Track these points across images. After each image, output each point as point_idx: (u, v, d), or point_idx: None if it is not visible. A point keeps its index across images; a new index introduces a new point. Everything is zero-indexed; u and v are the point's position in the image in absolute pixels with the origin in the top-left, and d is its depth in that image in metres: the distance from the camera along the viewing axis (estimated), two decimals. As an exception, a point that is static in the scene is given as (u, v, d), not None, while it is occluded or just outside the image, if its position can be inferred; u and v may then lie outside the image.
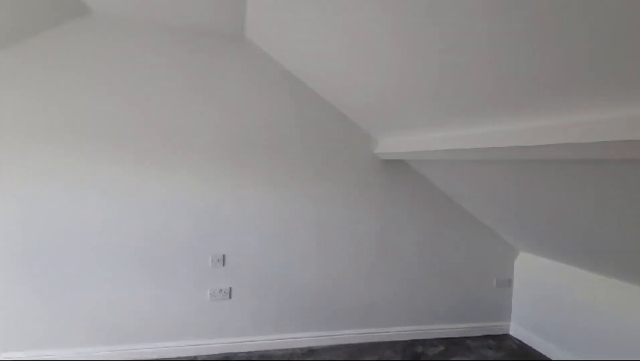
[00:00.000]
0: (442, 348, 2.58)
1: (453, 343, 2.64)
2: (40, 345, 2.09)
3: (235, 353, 2.34)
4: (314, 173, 2.50)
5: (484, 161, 1.85)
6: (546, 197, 1.78)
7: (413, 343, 2.62)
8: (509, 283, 2.86)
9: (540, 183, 1.70)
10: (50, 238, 2.09)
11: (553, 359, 2.43)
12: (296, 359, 2.33)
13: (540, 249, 2.54)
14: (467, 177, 2.23)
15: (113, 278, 2.19)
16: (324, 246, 2.53)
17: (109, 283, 2.18)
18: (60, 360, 2.10)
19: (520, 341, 2.71)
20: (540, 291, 2.61)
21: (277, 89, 2.43)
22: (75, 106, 2.10)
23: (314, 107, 2.49)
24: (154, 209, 2.24)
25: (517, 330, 2.79)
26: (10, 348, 2.05)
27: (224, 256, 2.37)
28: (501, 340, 2.73)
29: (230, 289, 2.38)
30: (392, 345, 2.57)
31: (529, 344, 2.64)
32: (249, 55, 2.36)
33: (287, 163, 2.45)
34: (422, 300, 2.72)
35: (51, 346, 2.10)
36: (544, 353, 2.50)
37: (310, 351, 2.43)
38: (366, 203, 2.60)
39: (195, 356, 2.28)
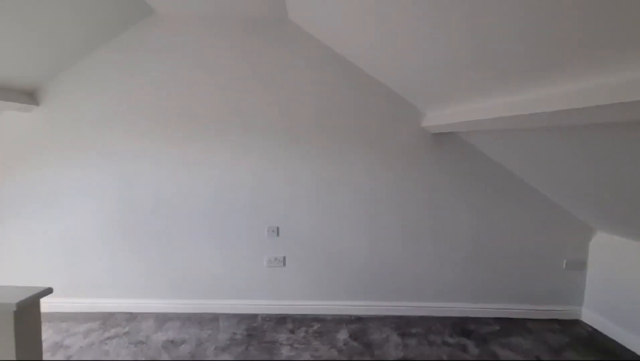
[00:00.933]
0: (497, 327, 2.48)
1: (511, 324, 2.52)
2: (131, 294, 2.60)
3: (291, 315, 2.59)
4: (363, 148, 2.54)
5: (545, 129, 1.67)
6: (626, 167, 1.55)
7: (465, 320, 2.57)
8: (582, 265, 2.57)
9: (616, 151, 1.49)
10: (139, 208, 2.55)
11: (631, 349, 2.17)
12: (344, 323, 2.49)
13: (620, 228, 2.22)
14: (526, 147, 2.04)
15: (187, 242, 2.58)
16: (373, 220, 2.58)
17: (184, 246, 2.58)
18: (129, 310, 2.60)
19: (592, 328, 2.46)
20: (618, 275, 2.30)
21: (324, 68, 2.48)
22: (155, 100, 2.46)
23: (361, 84, 2.49)
24: (219, 183, 2.54)
25: (590, 316, 2.52)
26: (109, 295, 2.59)
27: (277, 228, 2.59)
28: (569, 326, 2.51)
29: (285, 258, 2.61)
30: (441, 320, 2.56)
31: (603, 332, 2.38)
32: (295, 38, 2.45)
33: (337, 139, 2.53)
34: (476, 278, 2.62)
35: (139, 295, 2.60)
36: (620, 342, 2.25)
37: (358, 319, 2.57)
38: (416, 178, 2.56)
39: (256, 314, 2.59)
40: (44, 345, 2.13)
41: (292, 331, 2.38)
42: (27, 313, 0.97)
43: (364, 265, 2.62)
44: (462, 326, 2.48)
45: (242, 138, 2.51)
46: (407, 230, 2.59)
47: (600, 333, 2.39)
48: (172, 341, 2.23)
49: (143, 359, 2.05)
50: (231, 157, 2.53)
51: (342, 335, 2.35)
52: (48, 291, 1.01)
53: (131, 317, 2.51)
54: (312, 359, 2.08)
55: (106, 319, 2.47)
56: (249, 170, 2.54)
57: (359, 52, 2.27)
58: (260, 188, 2.56)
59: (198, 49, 2.44)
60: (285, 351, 2.15)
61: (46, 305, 2.57)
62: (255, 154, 2.53)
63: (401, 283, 2.63)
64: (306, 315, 2.60)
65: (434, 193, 2.57)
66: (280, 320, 2.53)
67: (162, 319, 2.49)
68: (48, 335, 2.24)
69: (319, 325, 2.47)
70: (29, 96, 2.39)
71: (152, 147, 2.49)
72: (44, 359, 2.01)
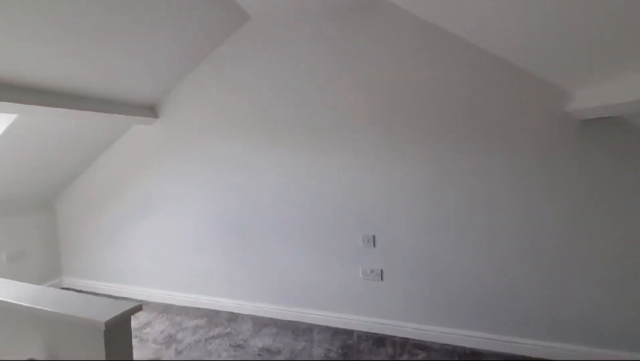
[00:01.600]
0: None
1: None
2: (234, 294, 2.68)
3: (390, 337, 2.30)
4: (479, 144, 2.07)
5: None
6: None
7: (638, 377, 1.84)
8: None
9: None
10: (234, 210, 2.61)
11: None
12: (458, 359, 2.06)
13: None
14: None
15: (282, 248, 2.53)
16: (492, 233, 2.09)
17: (279, 252, 2.54)
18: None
19: None
20: None
21: (428, 51, 2.11)
22: (252, 106, 2.50)
23: (476, 64, 2.04)
24: (312, 186, 2.42)
25: None
26: (215, 293, 2.72)
27: (373, 236, 2.33)
28: None
29: (382, 271, 2.33)
30: (598, 372, 1.90)
31: None
32: (391, 19, 2.15)
33: (447, 135, 2.13)
34: (656, 320, 1.86)
35: (241, 297, 2.67)
36: None
37: (474, 353, 2.10)
38: (553, 180, 1.96)
39: (351, 330, 2.37)
40: (161, 336, 2.35)
41: (393, 357, 2.09)
42: (118, 331, 0.91)
43: (477, 286, 2.13)
44: (635, 387, 1.78)
45: (336, 138, 2.33)
46: (541, 249, 2.00)
47: None
48: (267, 350, 2.19)
49: (240, 365, 2.05)
50: (325, 159, 2.37)
51: (455, 372, 1.94)
52: (137, 308, 0.96)
53: (232, 317, 2.59)
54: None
55: (212, 317, 2.61)
56: (342, 173, 2.35)
57: (474, 23, 1.82)
58: (354, 192, 2.34)
59: (290, 49, 2.36)
60: (384, 382, 1.87)
61: (165, 296, 2.90)
62: (350, 155, 2.32)
63: (530, 316, 2.05)
64: (408, 339, 2.26)
65: (581, 201, 1.92)
66: (379, 341, 2.26)
67: (260, 323, 2.50)
68: (165, 326, 2.47)
69: (425, 355, 2.11)
70: (151, 110, 2.70)
71: (250, 154, 2.53)
72: (161, 349, 2.19)
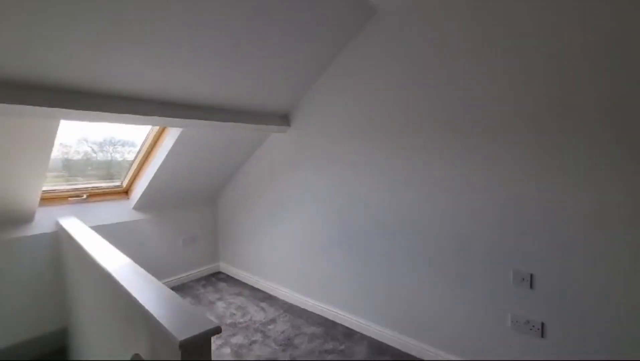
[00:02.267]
0: None
1: None
2: (352, 309, 2.51)
3: (552, 418, 1.64)
4: None
5: None
6: None
7: None
8: None
9: None
10: (361, 222, 2.44)
11: None
12: None
13: None
14: None
15: (408, 269, 2.20)
16: None
17: (405, 274, 2.22)
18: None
19: None
20: None
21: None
22: (381, 108, 2.29)
23: None
24: (443, 201, 2.00)
25: None
26: (334, 302, 2.61)
27: (531, 275, 1.71)
28: None
29: (543, 324, 1.69)
30: None
31: None
32: None
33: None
34: None
35: (359, 313, 2.47)
36: None
37: None
38: None
39: (491, 391, 1.82)
40: (280, 337, 2.42)
41: None
42: (195, 349, 0.86)
43: None
44: None
45: (487, 143, 1.84)
46: None
47: None
48: (380, 384, 1.92)
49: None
50: (462, 167, 1.92)
51: None
52: (216, 330, 0.90)
53: (349, 334, 2.44)
54: None
55: (329, 328, 2.53)
56: (484, 186, 1.84)
57: None
58: (503, 212, 1.79)
59: (421, 42, 2.02)
60: None
61: (289, 296, 3.02)
62: (495, 163, 1.79)
63: None
64: None
65: None
66: (533, 420, 1.64)
67: (376, 348, 2.25)
68: (286, 327, 2.55)
69: None
70: (284, 119, 2.86)
71: (380, 162, 2.31)
72: (277, 351, 2.24)
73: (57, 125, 1.88)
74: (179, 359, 0.84)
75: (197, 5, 1.57)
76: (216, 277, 3.62)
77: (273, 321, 2.65)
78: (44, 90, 1.63)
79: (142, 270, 1.38)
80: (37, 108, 1.59)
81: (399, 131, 2.17)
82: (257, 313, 2.78)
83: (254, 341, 2.36)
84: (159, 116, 2.06)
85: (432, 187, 2.04)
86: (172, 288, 3.24)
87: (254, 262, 3.40)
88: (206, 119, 2.33)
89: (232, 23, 1.76)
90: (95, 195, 2.92)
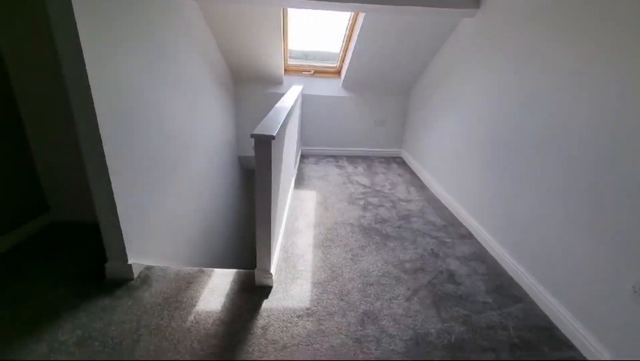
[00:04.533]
0: None
1: None
2: (470, 210, 2.43)
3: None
4: None
5: None
6: None
7: None
8: None
9: None
10: (509, 131, 2.13)
11: None
12: None
13: None
14: None
15: (542, 197, 1.88)
16: None
17: (536, 199, 1.91)
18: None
19: None
20: None
21: None
22: None
23: None
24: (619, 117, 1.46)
25: None
26: (457, 199, 2.58)
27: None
28: None
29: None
30: None
31: None
32: None
33: None
34: None
35: (474, 215, 2.38)
36: None
37: None
38: None
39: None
40: (405, 213, 2.80)
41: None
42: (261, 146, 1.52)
43: None
44: None
45: None
46: None
47: None
48: (451, 271, 2.03)
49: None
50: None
51: None
52: (271, 137, 1.49)
53: (464, 235, 2.47)
54: None
55: (451, 224, 2.63)
56: None
57: None
58: None
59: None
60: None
61: (433, 188, 3.15)
62: None
63: None
64: None
65: None
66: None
67: (477, 256, 2.23)
68: (415, 208, 2.87)
69: None
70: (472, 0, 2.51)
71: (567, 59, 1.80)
72: (395, 216, 2.68)
73: (279, 12, 2.75)
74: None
75: None
76: (394, 160, 4.18)
77: (409, 201, 3.02)
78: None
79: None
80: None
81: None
82: (402, 192, 3.21)
83: (382, 206, 2.90)
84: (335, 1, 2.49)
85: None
86: (357, 157, 4.15)
87: (421, 153, 3.64)
88: (382, 3, 2.52)
89: None
90: (319, 72, 3.96)
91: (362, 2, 2.51)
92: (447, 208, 2.88)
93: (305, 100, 3.90)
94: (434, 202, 3.01)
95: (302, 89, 3.77)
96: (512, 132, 2.09)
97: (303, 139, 4.13)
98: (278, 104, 2.23)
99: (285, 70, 3.86)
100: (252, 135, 1.46)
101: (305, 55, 3.99)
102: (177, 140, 2.22)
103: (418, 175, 3.65)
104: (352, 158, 4.13)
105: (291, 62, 3.85)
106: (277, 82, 3.85)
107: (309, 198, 2.98)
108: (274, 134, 1.47)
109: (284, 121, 1.81)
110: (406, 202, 3.00)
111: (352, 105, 4.03)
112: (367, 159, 4.14)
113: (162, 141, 1.96)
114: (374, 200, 2.99)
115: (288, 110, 2.04)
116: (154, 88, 1.85)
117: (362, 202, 2.95)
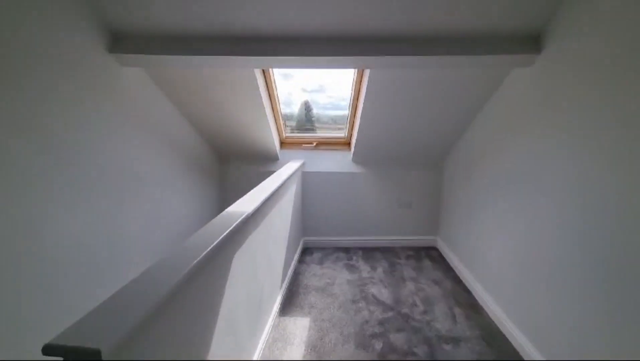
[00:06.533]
0: None
1: None
2: None
3: None
4: None
5: None
6: None
7: None
8: None
9: None
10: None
11: None
12: None
13: None
14: None
15: None
16: None
17: None
18: None
19: None
20: None
21: None
22: None
23: None
24: None
25: None
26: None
27: None
28: None
29: None
30: None
31: None
32: None
33: None
34: None
35: None
36: None
37: None
38: None
39: None
40: (449, 369, 1.68)
41: None
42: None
43: None
44: None
45: None
46: None
47: None
48: None
49: None
50: None
51: None
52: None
53: None
54: None
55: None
56: None
57: None
58: None
59: None
60: None
61: (493, 312, 2.04)
62: None
63: None
64: None
65: None
66: None
67: None
68: (463, 352, 1.75)
69: None
70: (529, 43, 1.68)
71: None
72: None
73: (254, 74, 2.08)
74: None
75: None
76: (426, 252, 3.12)
77: (456, 341, 1.90)
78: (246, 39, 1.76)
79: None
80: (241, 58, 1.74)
81: None
82: (443, 319, 2.11)
83: (412, 352, 1.80)
84: (331, 55, 1.76)
85: None
86: (376, 249, 3.15)
87: (464, 248, 2.59)
88: (398, 54, 1.77)
89: None
90: (323, 144, 3.20)
91: (366, 55, 1.77)
92: (518, 354, 1.74)
93: (306, 178, 3.11)
94: (498, 340, 1.88)
95: (303, 165, 3.00)
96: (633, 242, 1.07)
97: (305, 228, 3.23)
98: (230, 208, 1.40)
99: (282, 143, 3.15)
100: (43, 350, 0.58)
101: (307, 120, 3.30)
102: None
103: (463, 280, 2.55)
104: (370, 252, 3.12)
105: (288, 134, 3.16)
106: (273, 158, 3.12)
107: (297, 335, 1.96)
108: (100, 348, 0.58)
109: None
110: (452, 342, 1.90)
111: (367, 184, 3.16)
112: (389, 252, 3.12)
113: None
114: (400, 339, 1.92)
115: (236, 222, 1.18)
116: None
117: (380, 343, 1.88)
